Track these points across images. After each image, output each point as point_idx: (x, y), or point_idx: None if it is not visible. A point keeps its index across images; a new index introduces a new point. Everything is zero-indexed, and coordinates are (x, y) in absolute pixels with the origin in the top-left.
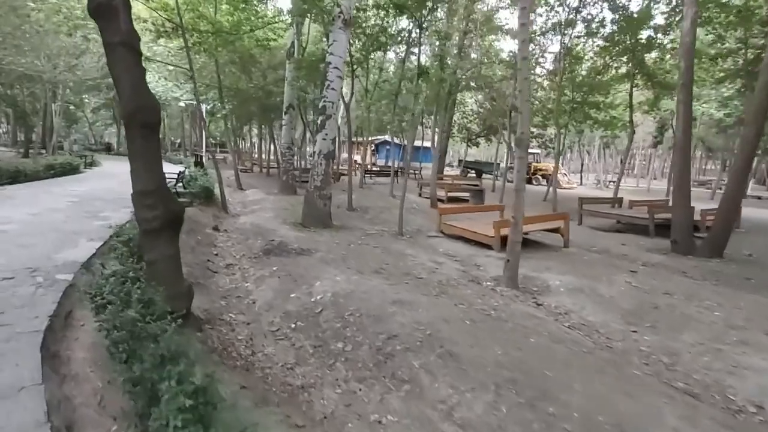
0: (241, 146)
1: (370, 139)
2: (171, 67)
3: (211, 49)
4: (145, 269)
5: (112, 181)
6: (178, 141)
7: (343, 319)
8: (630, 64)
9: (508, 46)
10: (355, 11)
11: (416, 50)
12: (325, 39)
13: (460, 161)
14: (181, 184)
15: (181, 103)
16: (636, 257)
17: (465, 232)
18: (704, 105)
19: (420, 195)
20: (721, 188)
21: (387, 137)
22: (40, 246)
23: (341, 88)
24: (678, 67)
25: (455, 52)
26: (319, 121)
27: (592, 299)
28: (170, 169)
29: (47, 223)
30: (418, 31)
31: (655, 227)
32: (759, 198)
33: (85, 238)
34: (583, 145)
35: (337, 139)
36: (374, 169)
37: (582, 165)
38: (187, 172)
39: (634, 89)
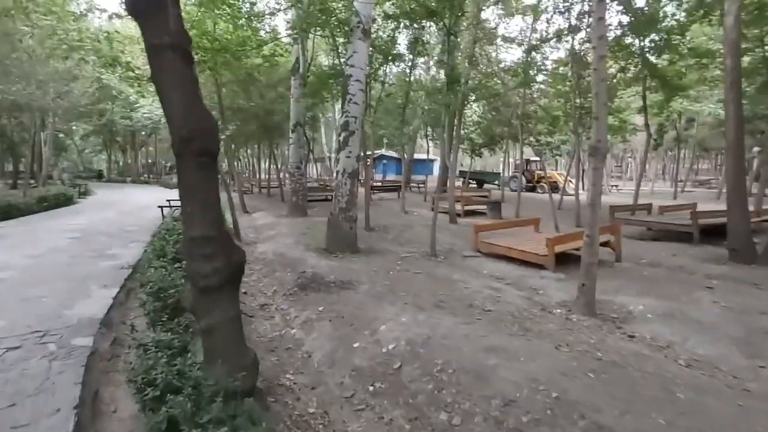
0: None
1: (366, 153)
2: None
3: (216, 67)
4: (201, 337)
5: (110, 211)
6: (169, 164)
7: (434, 377)
8: (638, 68)
9: (509, 56)
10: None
11: (423, 61)
12: (333, 53)
13: (461, 172)
14: None
15: None
16: (694, 269)
17: (510, 251)
18: (710, 105)
19: (432, 209)
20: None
21: (383, 151)
22: (46, 298)
23: (363, 102)
24: (723, 65)
25: (466, 61)
26: (341, 138)
27: (689, 326)
28: (170, 195)
29: (50, 268)
30: (447, 38)
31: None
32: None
33: (96, 284)
34: (583, 150)
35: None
36: (377, 184)
37: (582, 171)
38: None
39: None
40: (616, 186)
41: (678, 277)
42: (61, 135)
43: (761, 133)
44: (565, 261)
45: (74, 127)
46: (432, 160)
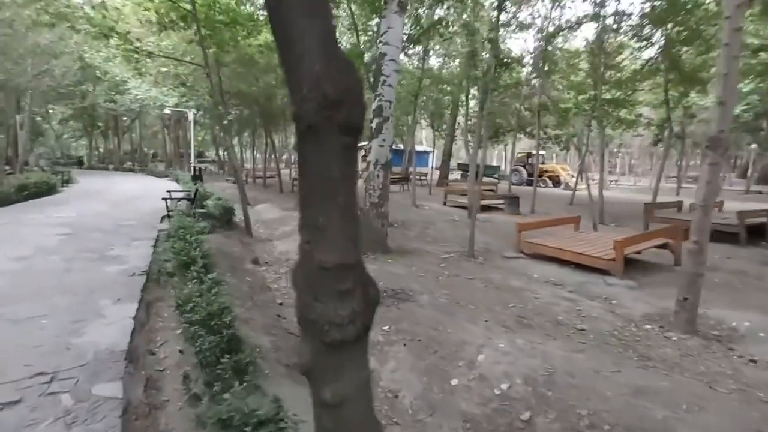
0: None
1: (361, 144)
2: (161, 71)
3: (223, 43)
4: (320, 410)
5: (99, 202)
6: (152, 152)
7: None
8: (660, 59)
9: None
10: None
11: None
12: (349, 32)
13: (459, 164)
14: (196, 206)
15: (167, 111)
16: (760, 274)
17: (562, 252)
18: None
19: (445, 204)
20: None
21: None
22: (45, 320)
23: (397, 84)
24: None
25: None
26: (373, 125)
27: None
28: (161, 185)
29: (44, 275)
30: (496, 12)
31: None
32: (760, 193)
33: (106, 297)
34: (584, 144)
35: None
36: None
37: (583, 164)
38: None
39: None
40: (615, 181)
41: (755, 284)
42: (38, 118)
43: (761, 130)
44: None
45: (52, 111)
46: (428, 152)
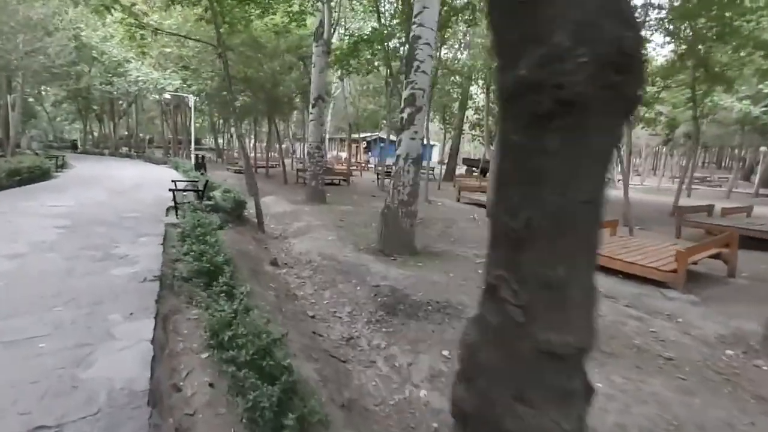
0: (224, 143)
1: (362, 136)
2: (164, 52)
3: (235, 22)
4: None
5: (97, 189)
6: (148, 137)
7: None
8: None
9: None
10: None
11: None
12: (367, 14)
13: (464, 160)
14: (204, 198)
15: (166, 95)
16: None
17: (611, 261)
18: (739, 102)
19: (458, 200)
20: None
21: (381, 134)
22: (43, 342)
23: (431, 70)
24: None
25: None
26: (404, 116)
27: None
28: (160, 172)
29: (42, 279)
30: None
31: None
32: None
33: (117, 310)
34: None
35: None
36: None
37: None
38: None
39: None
40: (618, 180)
41: None
42: (30, 100)
43: None
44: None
45: (45, 92)
46: (431, 146)
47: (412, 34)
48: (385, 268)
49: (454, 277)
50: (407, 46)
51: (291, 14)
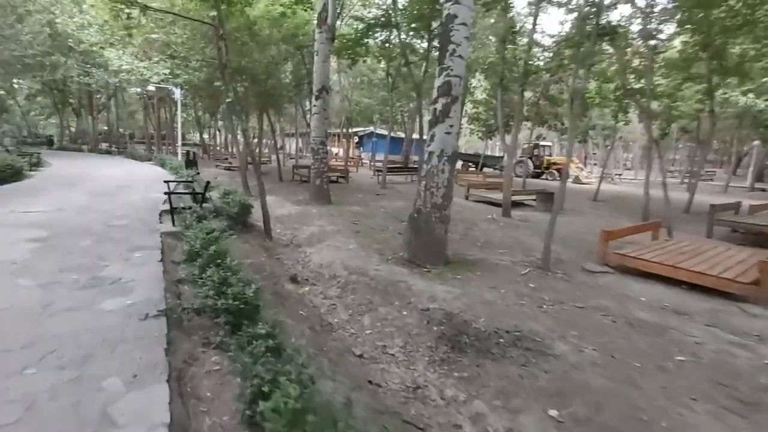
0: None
1: (354, 130)
2: (150, 39)
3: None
4: None
5: (78, 191)
6: (129, 133)
7: None
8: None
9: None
10: None
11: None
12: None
13: (461, 154)
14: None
15: (150, 87)
16: None
17: (675, 271)
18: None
19: (467, 198)
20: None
21: (373, 128)
22: None
23: (468, 56)
24: None
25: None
26: (438, 107)
27: None
28: (146, 170)
29: (7, 321)
30: None
31: None
32: (764, 191)
33: (115, 370)
34: (591, 137)
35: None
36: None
37: (585, 158)
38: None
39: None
40: (619, 175)
41: None
42: (0, 92)
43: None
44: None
45: (18, 85)
46: (425, 140)
47: (446, 13)
48: (426, 284)
49: (507, 294)
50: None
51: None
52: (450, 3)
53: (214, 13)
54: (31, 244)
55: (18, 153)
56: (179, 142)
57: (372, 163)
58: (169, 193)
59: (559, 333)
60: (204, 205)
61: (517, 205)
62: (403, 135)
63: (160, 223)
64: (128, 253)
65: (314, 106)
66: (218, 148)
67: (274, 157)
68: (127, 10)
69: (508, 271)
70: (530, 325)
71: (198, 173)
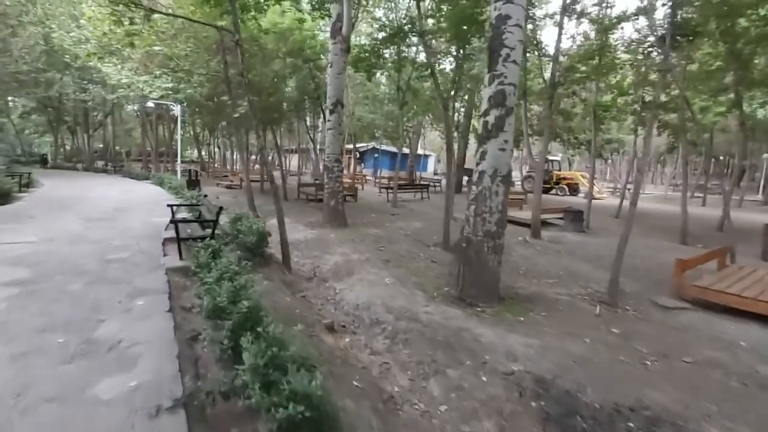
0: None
1: (356, 146)
2: (151, 50)
3: (248, 6)
4: None
5: (70, 216)
6: (125, 150)
7: None
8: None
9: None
10: None
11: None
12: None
13: (469, 171)
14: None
15: (150, 103)
16: None
17: (757, 305)
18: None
19: None
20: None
21: (375, 144)
22: None
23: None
24: None
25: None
26: (490, 120)
27: None
28: (144, 190)
29: None
30: None
31: None
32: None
33: None
34: (622, 150)
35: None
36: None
37: (631, 172)
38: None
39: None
40: (628, 189)
41: None
42: None
43: None
44: None
45: (12, 103)
46: (427, 156)
47: (496, 14)
48: (494, 333)
49: (596, 346)
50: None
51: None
52: (501, 2)
53: (222, 23)
54: (9, 289)
55: (6, 174)
56: (179, 160)
57: (377, 180)
58: (175, 221)
59: (695, 408)
60: (215, 232)
61: (545, 224)
62: (407, 151)
63: (165, 255)
64: (129, 300)
65: (328, 121)
66: (216, 165)
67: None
68: (129, 15)
69: (574, 309)
70: (653, 396)
71: (206, 195)
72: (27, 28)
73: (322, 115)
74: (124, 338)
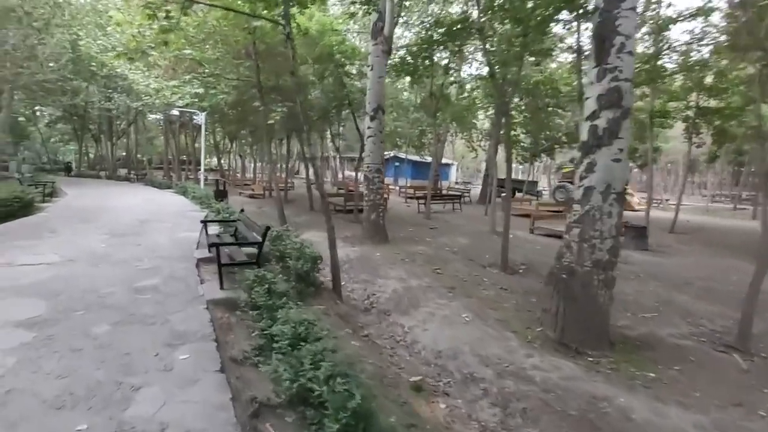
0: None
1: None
2: (181, 55)
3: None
4: None
5: (93, 230)
6: (147, 158)
7: None
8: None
9: None
10: None
11: None
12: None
13: (499, 180)
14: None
15: (174, 111)
16: None
17: None
18: None
19: (532, 232)
20: None
21: (395, 153)
22: None
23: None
24: None
25: None
26: (602, 124)
27: None
28: (168, 200)
29: None
30: None
31: None
32: None
33: None
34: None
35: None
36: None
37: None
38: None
39: None
40: (667, 200)
41: None
42: (21, 119)
43: None
44: None
45: (39, 113)
46: (449, 165)
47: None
48: (643, 403)
49: None
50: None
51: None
52: None
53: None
54: (21, 334)
55: (30, 183)
56: (202, 169)
57: (401, 190)
58: (216, 245)
59: None
60: (262, 261)
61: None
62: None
63: (201, 282)
64: (167, 352)
65: (368, 128)
66: (236, 174)
67: (295, 182)
68: (165, 8)
69: (709, 360)
70: None
71: (242, 210)
72: (54, 35)
73: (354, 122)
74: (169, 422)
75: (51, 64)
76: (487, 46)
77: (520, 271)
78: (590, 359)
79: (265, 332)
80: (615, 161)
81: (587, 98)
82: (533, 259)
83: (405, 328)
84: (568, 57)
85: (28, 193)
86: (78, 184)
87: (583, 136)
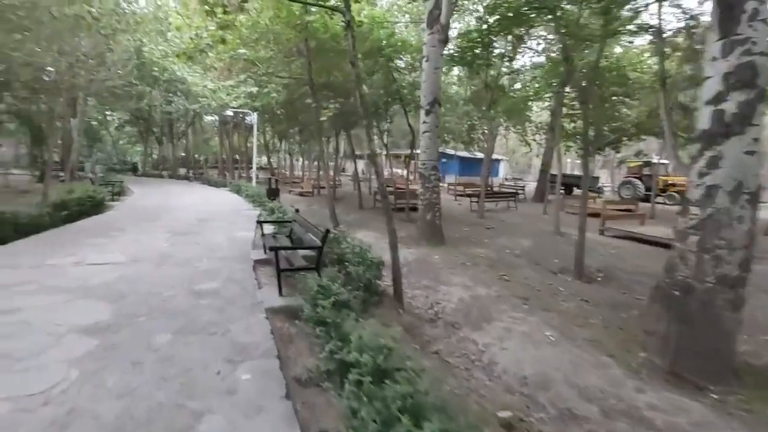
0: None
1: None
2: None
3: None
4: None
5: (156, 229)
6: (203, 158)
7: None
8: None
9: None
10: None
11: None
12: None
13: (564, 176)
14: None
15: (229, 112)
16: None
17: None
18: None
19: (602, 233)
20: None
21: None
22: None
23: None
24: None
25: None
26: (731, 108)
27: None
28: (223, 198)
29: None
30: None
31: None
32: None
33: None
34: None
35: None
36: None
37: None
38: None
39: None
40: None
41: None
42: (94, 123)
43: None
44: None
45: (109, 117)
46: (498, 161)
47: None
48: None
49: None
50: None
51: None
52: None
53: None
54: (86, 342)
55: (101, 183)
56: (254, 167)
57: (450, 187)
58: (275, 248)
59: None
60: (324, 266)
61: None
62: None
63: (260, 287)
64: (230, 369)
65: (424, 122)
66: (284, 171)
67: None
68: (222, 3)
69: None
70: None
71: (297, 210)
72: (120, 42)
73: (405, 117)
74: None
75: (119, 71)
76: (561, 29)
77: (598, 279)
78: (714, 396)
79: (336, 355)
80: (748, 154)
81: (708, 77)
82: (610, 265)
83: (479, 345)
84: (635, 40)
85: (100, 192)
86: (143, 183)
87: (704, 123)
